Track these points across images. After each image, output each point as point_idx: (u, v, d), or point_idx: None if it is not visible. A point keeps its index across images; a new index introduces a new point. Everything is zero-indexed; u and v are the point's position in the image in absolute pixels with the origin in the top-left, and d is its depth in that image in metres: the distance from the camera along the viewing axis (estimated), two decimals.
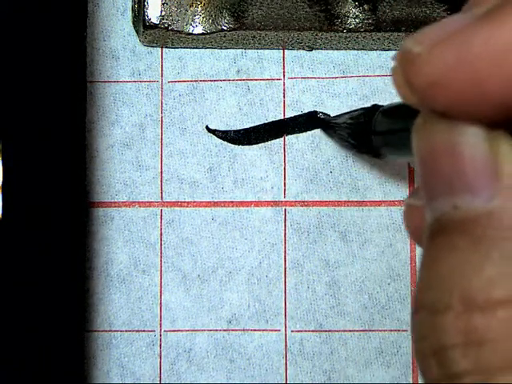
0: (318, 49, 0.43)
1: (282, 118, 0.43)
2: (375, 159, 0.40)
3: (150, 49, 0.43)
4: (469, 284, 0.20)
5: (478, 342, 0.20)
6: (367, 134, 0.35)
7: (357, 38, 0.42)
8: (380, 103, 0.38)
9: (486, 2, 0.21)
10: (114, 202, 0.42)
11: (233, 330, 0.41)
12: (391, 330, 0.41)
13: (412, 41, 0.21)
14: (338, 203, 0.42)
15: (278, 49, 0.43)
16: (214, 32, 0.42)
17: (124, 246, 0.42)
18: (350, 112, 0.40)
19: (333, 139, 0.42)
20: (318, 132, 0.43)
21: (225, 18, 0.42)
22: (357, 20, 0.42)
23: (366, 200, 0.42)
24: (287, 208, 0.42)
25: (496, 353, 0.20)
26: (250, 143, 0.43)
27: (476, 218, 0.21)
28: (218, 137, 0.43)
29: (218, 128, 0.43)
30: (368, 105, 0.39)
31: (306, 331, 0.41)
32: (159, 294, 0.42)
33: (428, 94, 0.21)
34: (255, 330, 0.41)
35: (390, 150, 0.33)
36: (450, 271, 0.21)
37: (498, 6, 0.20)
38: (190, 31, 0.42)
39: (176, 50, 0.43)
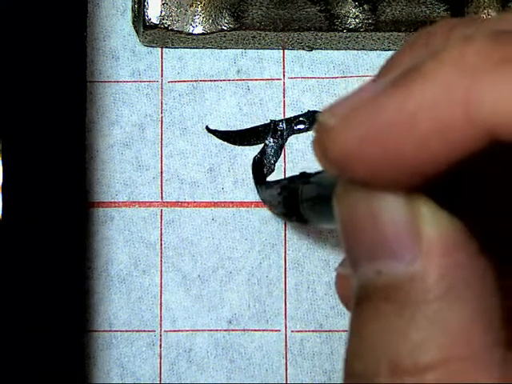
0: (318, 49, 0.43)
1: (283, 117, 0.43)
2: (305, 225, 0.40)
3: (150, 49, 0.43)
4: (395, 350, 0.20)
5: None
6: (295, 202, 0.35)
7: (357, 37, 0.42)
8: None
9: (395, 70, 0.21)
10: (114, 202, 0.42)
11: (233, 330, 0.41)
12: None
13: (327, 113, 0.21)
14: None
15: (278, 49, 0.43)
16: (214, 32, 0.42)
17: (124, 246, 0.42)
18: (283, 180, 0.40)
19: (265, 203, 0.41)
20: None
21: (225, 18, 0.42)
22: (357, 20, 0.42)
23: None
24: None
25: None
26: (249, 143, 0.43)
27: (399, 283, 0.20)
28: (218, 137, 0.43)
29: (218, 128, 0.43)
30: None
31: (306, 331, 0.41)
32: (159, 294, 0.42)
33: (343, 165, 0.21)
34: (255, 330, 0.41)
35: (317, 217, 0.34)
36: (376, 338, 0.21)
37: (404, 74, 0.20)
38: (190, 31, 0.42)
39: (176, 49, 0.43)
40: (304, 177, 0.36)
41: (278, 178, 0.41)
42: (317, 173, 0.34)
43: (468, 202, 0.23)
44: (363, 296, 0.21)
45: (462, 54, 0.19)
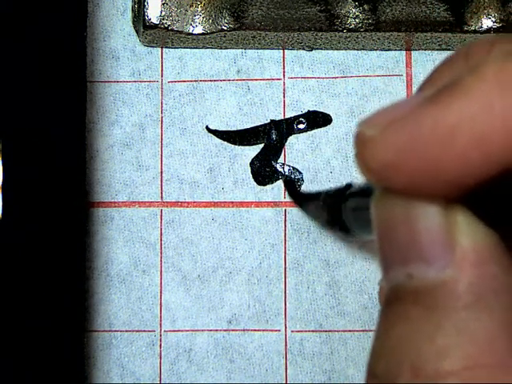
0: (318, 49, 0.43)
1: (283, 117, 0.43)
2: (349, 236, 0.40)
3: (149, 49, 0.43)
4: (419, 354, 0.20)
5: None
6: (339, 212, 0.36)
7: (357, 37, 0.42)
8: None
9: (435, 84, 0.21)
10: (114, 202, 0.42)
11: (233, 330, 0.41)
12: None
13: (365, 124, 0.21)
14: None
15: (278, 49, 0.43)
16: (214, 32, 0.42)
17: (124, 246, 0.42)
18: (327, 190, 0.40)
19: (308, 214, 0.41)
20: (318, 132, 0.43)
21: (225, 18, 0.42)
22: (357, 20, 0.42)
23: None
24: (287, 208, 0.42)
25: None
26: (249, 143, 0.43)
27: (429, 288, 0.21)
28: (218, 137, 0.43)
29: (218, 128, 0.43)
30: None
31: (305, 331, 0.41)
32: (159, 293, 0.42)
33: (382, 175, 0.21)
34: (255, 330, 0.41)
35: (359, 227, 0.34)
36: (401, 340, 0.21)
37: (445, 87, 0.20)
38: (190, 31, 0.42)
39: (176, 49, 0.43)
40: (349, 187, 0.36)
41: (321, 190, 0.41)
42: (359, 184, 0.34)
43: (505, 214, 0.23)
44: (393, 298, 0.22)
45: (502, 69, 0.19)
